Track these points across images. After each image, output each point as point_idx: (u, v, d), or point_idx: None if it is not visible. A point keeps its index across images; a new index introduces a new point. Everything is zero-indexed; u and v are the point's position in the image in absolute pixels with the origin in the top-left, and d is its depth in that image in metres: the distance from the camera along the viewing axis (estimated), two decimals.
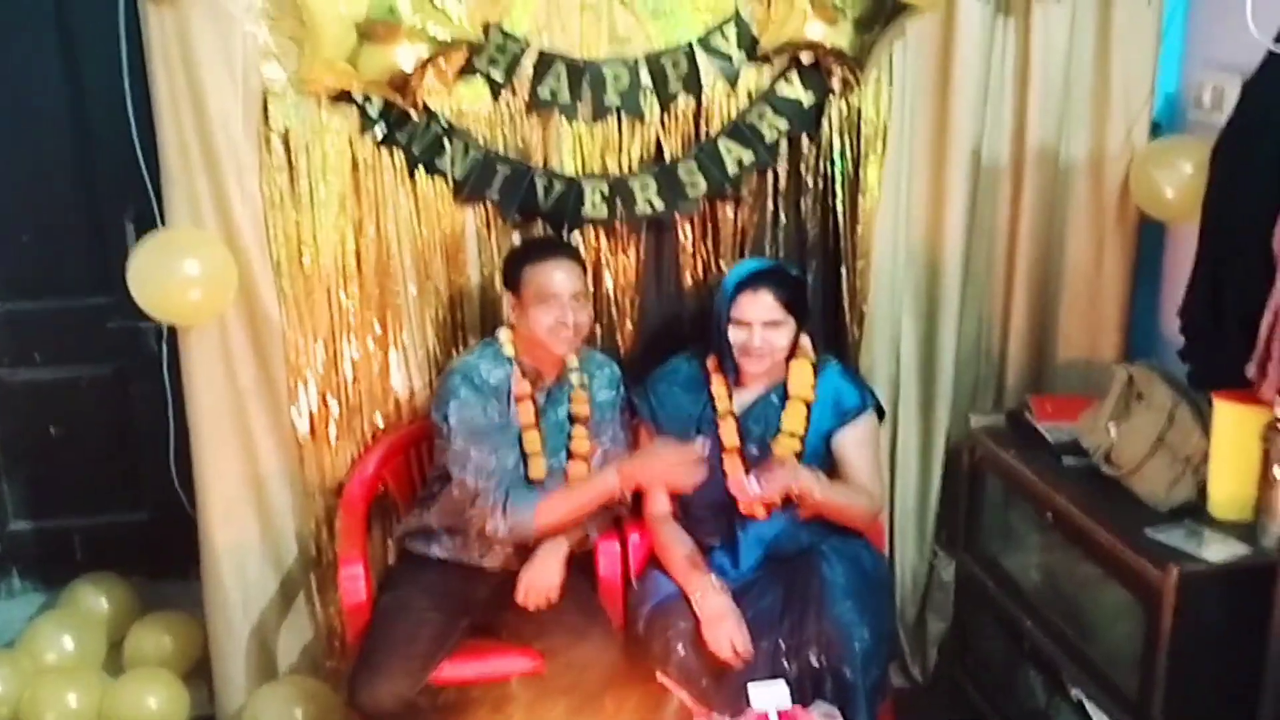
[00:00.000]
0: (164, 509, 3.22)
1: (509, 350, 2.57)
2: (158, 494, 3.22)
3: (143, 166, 2.69)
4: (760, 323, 2.49)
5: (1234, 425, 2.27)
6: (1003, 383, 3.02)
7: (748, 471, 2.50)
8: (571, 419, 2.60)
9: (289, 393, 2.76)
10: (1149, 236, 2.93)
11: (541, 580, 2.48)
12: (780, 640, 2.38)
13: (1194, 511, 2.34)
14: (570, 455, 2.59)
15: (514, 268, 2.54)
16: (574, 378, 2.61)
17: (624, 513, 2.68)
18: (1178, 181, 2.68)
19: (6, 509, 3.54)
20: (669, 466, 2.47)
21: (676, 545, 2.58)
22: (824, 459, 2.60)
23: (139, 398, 3.36)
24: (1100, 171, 2.85)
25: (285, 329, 2.71)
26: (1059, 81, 2.79)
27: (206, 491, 2.78)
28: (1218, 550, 2.21)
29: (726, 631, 2.38)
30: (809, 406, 2.58)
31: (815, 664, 2.33)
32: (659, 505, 2.65)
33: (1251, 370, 2.20)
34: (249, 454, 2.78)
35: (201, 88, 2.51)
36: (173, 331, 2.77)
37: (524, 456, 2.55)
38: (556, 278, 2.49)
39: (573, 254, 2.58)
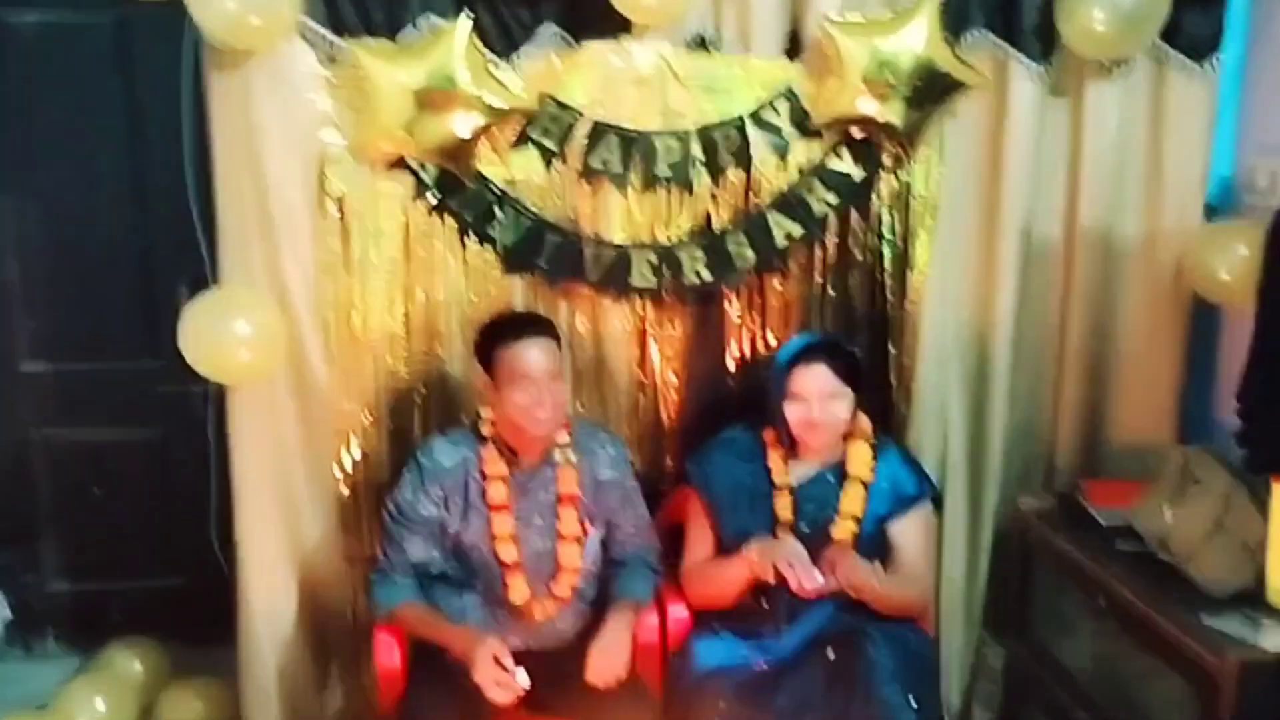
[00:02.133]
0: (201, 573, 3.22)
1: (487, 429, 2.49)
2: (195, 558, 3.22)
3: (199, 231, 2.74)
4: (819, 395, 2.48)
5: None
6: (1053, 465, 2.97)
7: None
8: (558, 499, 2.51)
9: (333, 455, 2.76)
10: (1203, 319, 2.90)
11: (614, 658, 2.40)
12: None
13: (1252, 599, 2.27)
14: (559, 537, 2.51)
15: (486, 347, 2.45)
16: (559, 455, 2.51)
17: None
18: (1233, 264, 2.67)
19: (45, 570, 3.55)
20: (484, 674, 2.27)
21: (709, 563, 2.57)
22: (878, 543, 2.56)
23: (182, 461, 3.37)
24: (1153, 253, 2.83)
25: (331, 391, 2.72)
26: (1111, 162, 2.79)
27: (246, 554, 2.77)
28: (1277, 639, 2.15)
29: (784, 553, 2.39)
30: (867, 488, 2.56)
31: None
32: (697, 556, 2.62)
33: None
34: (291, 517, 2.78)
35: (261, 152, 2.56)
36: (220, 397, 2.79)
37: (493, 539, 2.47)
38: (530, 358, 2.39)
39: (547, 330, 2.46)
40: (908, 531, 2.57)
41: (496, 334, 2.46)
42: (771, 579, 2.43)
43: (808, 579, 2.37)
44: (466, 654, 2.31)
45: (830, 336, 2.73)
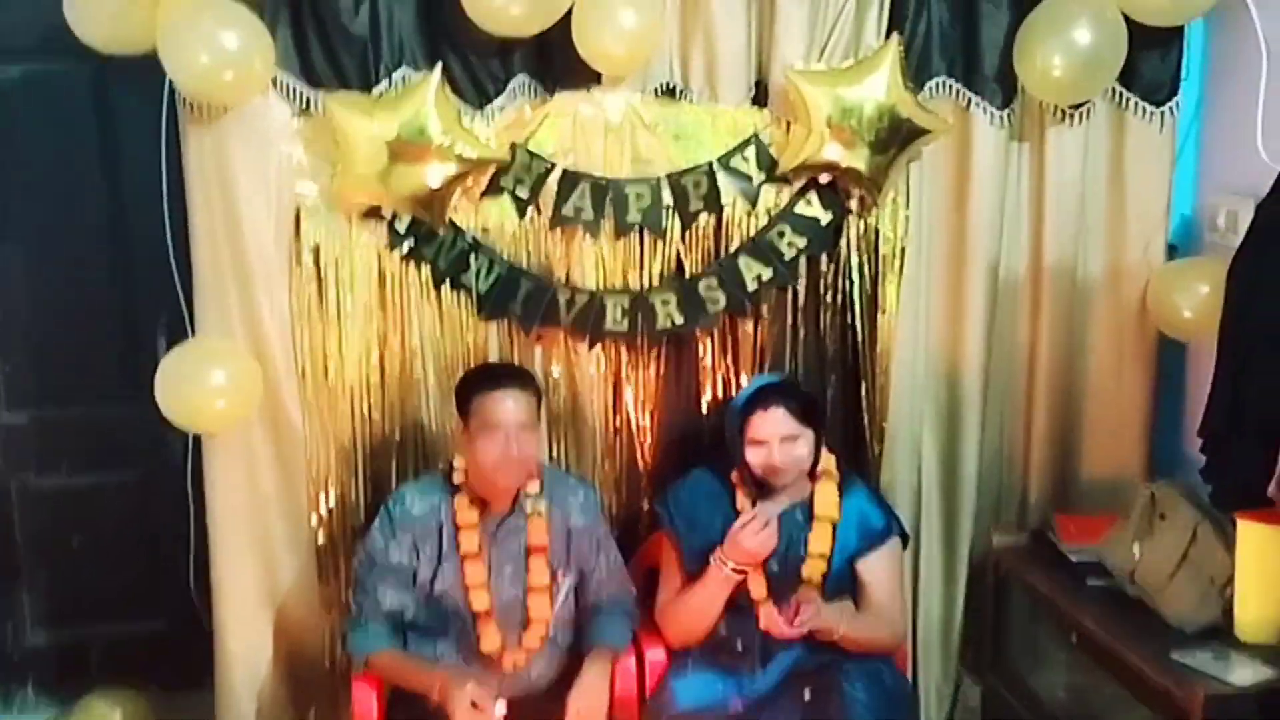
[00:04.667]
0: (181, 620, 3.20)
1: (458, 477, 2.50)
2: (175, 604, 3.20)
3: (176, 280, 2.76)
4: (778, 438, 2.50)
5: (1257, 546, 2.25)
6: (1025, 499, 3.00)
7: (769, 590, 2.50)
8: (529, 549, 2.51)
9: (310, 502, 2.77)
10: (1170, 355, 2.94)
11: (592, 706, 2.41)
12: None
13: (1220, 633, 2.30)
14: (529, 587, 2.50)
15: (463, 395, 2.47)
16: (530, 505, 2.51)
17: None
18: (1194, 301, 2.72)
19: (24, 619, 3.52)
20: (464, 718, 2.28)
21: (684, 593, 2.57)
22: (846, 581, 2.58)
23: (162, 508, 3.35)
24: (1118, 291, 2.88)
25: (307, 439, 2.74)
26: (1074, 204, 2.84)
27: (223, 600, 2.78)
28: (1244, 674, 2.18)
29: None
30: (834, 527, 2.57)
31: None
32: (670, 596, 2.63)
33: (1273, 489, 2.18)
34: (267, 563, 2.79)
35: (236, 203, 2.59)
36: (198, 443, 2.80)
37: (465, 587, 2.48)
38: (503, 408, 2.40)
39: (524, 382, 2.48)
40: (876, 568, 2.58)
41: (474, 382, 2.48)
42: (748, 564, 2.46)
43: (778, 623, 2.41)
44: (445, 697, 2.31)
45: (785, 378, 2.75)
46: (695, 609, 2.55)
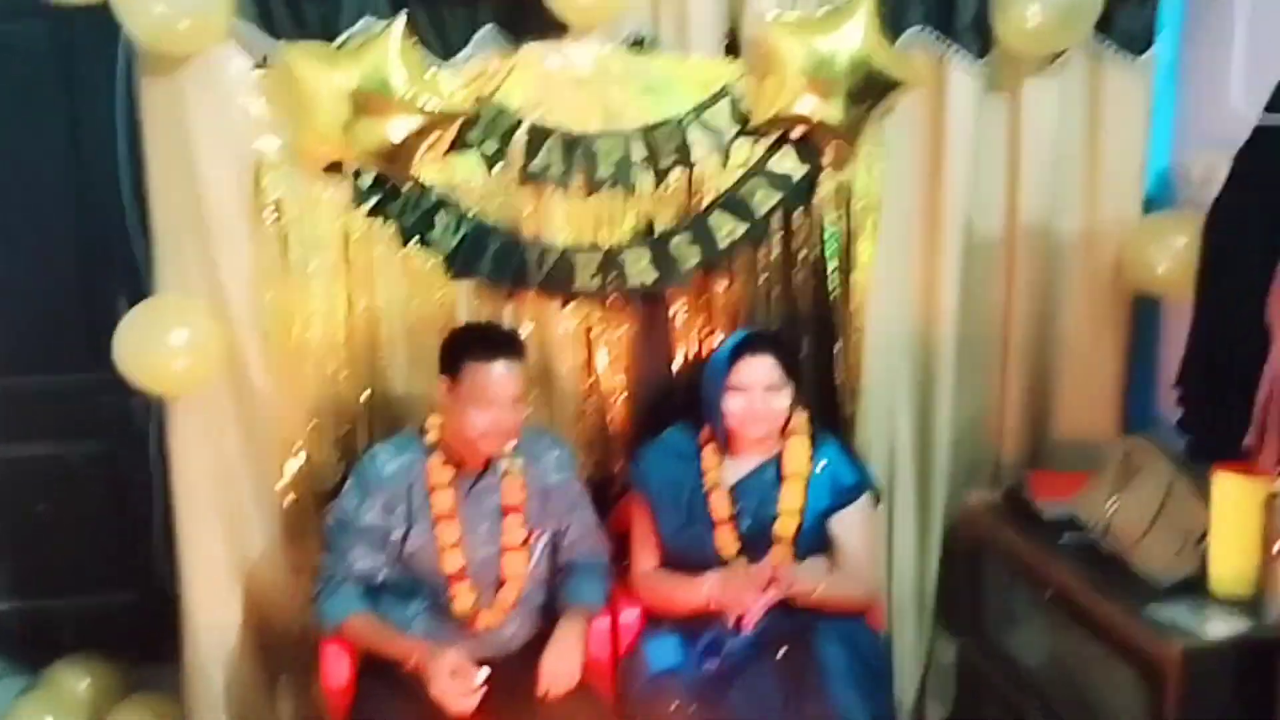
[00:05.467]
0: (151, 589, 3.18)
1: (433, 436, 2.46)
2: (145, 574, 3.18)
3: (137, 240, 2.70)
4: (761, 386, 2.48)
5: (1233, 498, 2.23)
6: (1000, 458, 2.99)
7: (741, 548, 2.47)
8: (504, 508, 2.48)
9: (277, 466, 2.73)
10: (1144, 312, 2.93)
11: (566, 666, 2.39)
12: None
13: (1196, 586, 2.29)
14: (503, 545, 2.47)
15: (455, 355, 2.40)
16: (505, 463, 2.47)
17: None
18: (1170, 256, 2.70)
19: None
20: (443, 688, 2.25)
21: (664, 579, 2.56)
22: (819, 538, 2.56)
23: (128, 475, 3.33)
24: (1093, 247, 2.86)
25: (273, 400, 2.69)
26: (1049, 158, 2.81)
27: (191, 569, 2.73)
28: (1220, 627, 2.17)
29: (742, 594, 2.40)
30: (806, 484, 2.55)
31: None
32: (646, 565, 2.62)
33: (1250, 440, 2.17)
34: (235, 530, 2.75)
35: (195, 159, 2.52)
36: (161, 411, 2.75)
37: (438, 547, 2.44)
38: (498, 380, 2.36)
39: (519, 352, 2.43)
40: (848, 525, 2.56)
41: (468, 346, 2.42)
42: (730, 617, 2.43)
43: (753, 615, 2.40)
44: (422, 668, 2.28)
45: (772, 330, 2.73)
46: (672, 600, 2.53)
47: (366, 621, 2.43)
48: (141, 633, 3.32)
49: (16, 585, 3.49)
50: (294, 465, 2.74)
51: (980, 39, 2.71)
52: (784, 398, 2.51)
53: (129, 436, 3.24)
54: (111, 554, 3.45)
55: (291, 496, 2.75)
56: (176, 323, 2.55)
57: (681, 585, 2.52)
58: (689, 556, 2.55)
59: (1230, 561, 2.25)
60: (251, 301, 2.64)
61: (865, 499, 2.60)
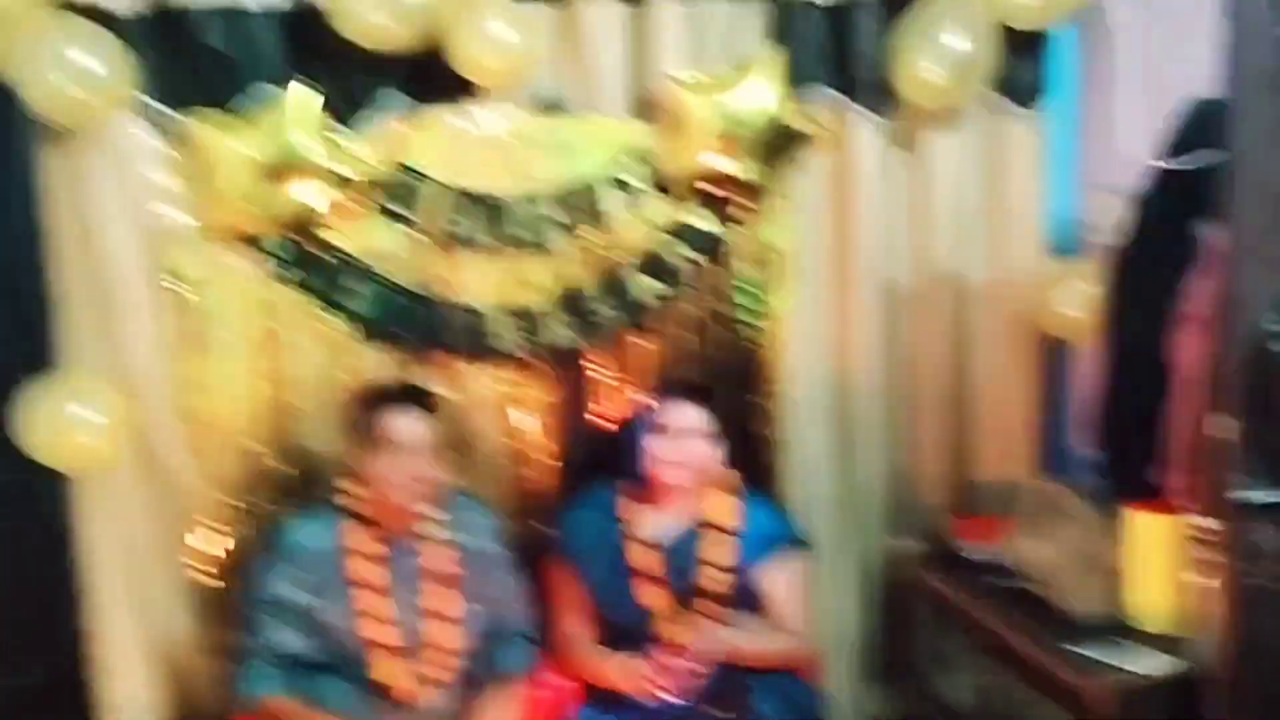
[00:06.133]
0: (58, 671, 3.04)
1: (350, 501, 2.42)
2: (51, 655, 3.04)
3: (37, 315, 2.62)
4: (688, 430, 2.47)
5: (1145, 534, 2.27)
6: (922, 505, 3.00)
7: (670, 603, 2.45)
8: (427, 575, 2.44)
9: (188, 543, 2.65)
10: (1056, 353, 2.98)
11: None
12: None
13: (1120, 624, 2.31)
14: (429, 614, 2.43)
15: (365, 413, 2.40)
16: (427, 529, 2.45)
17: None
18: (1075, 301, 2.76)
19: None
20: None
21: (583, 645, 2.53)
22: (750, 593, 2.54)
23: (35, 554, 3.19)
24: (1000, 294, 2.92)
25: (185, 476, 2.63)
26: (953, 208, 2.88)
27: (102, 649, 2.66)
28: (1145, 663, 2.18)
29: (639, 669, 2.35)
30: (735, 538, 2.53)
31: None
32: (574, 632, 2.57)
33: (1157, 478, 2.21)
34: (148, 608, 2.67)
35: (99, 231, 2.49)
36: (69, 489, 2.66)
37: (361, 619, 2.39)
38: (408, 428, 2.35)
39: (426, 402, 2.43)
40: (776, 578, 2.54)
41: (379, 401, 2.41)
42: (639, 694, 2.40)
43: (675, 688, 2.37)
44: None
45: (698, 382, 2.73)
46: (599, 677, 2.49)
47: (281, 704, 2.35)
48: (51, 715, 3.19)
49: None
50: (206, 541, 2.66)
51: (880, 95, 2.77)
52: (707, 447, 2.50)
53: (32, 514, 3.11)
54: (16, 634, 3.30)
55: (205, 573, 2.67)
56: (80, 399, 2.48)
57: (595, 661, 2.48)
58: (619, 613, 2.51)
59: (1149, 597, 2.28)
60: (159, 374, 2.59)
61: (793, 551, 2.59)
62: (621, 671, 2.42)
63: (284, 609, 2.38)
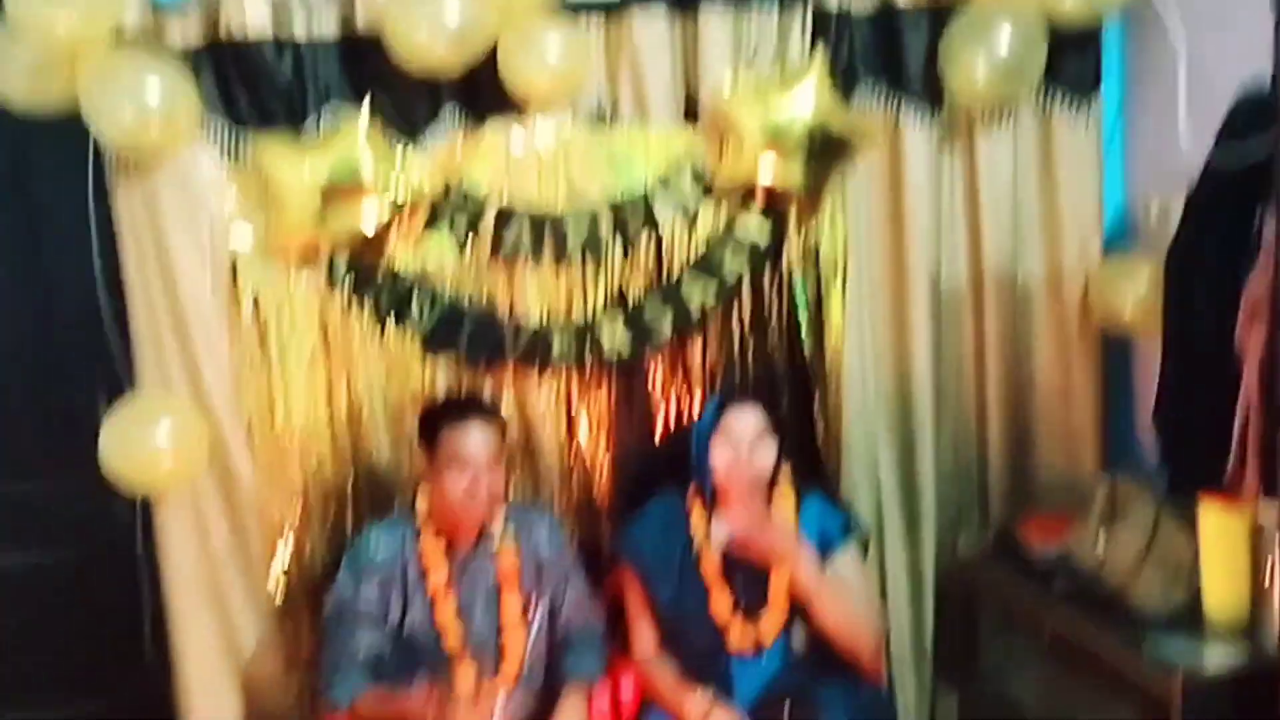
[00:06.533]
0: (129, 699, 3.12)
1: (423, 510, 2.47)
2: (124, 680, 3.12)
3: (113, 341, 2.70)
4: (749, 436, 2.48)
5: (1220, 528, 2.25)
6: (986, 502, 2.99)
7: (735, 609, 2.46)
8: (499, 583, 2.48)
9: (265, 557, 2.72)
10: (1116, 349, 2.96)
11: None
12: None
13: (1190, 619, 2.29)
14: (502, 621, 2.47)
15: (429, 427, 2.45)
16: (497, 539, 2.49)
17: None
18: (1134, 296, 2.74)
19: None
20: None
21: (663, 674, 2.52)
22: None
23: (104, 580, 3.27)
24: (1058, 291, 2.90)
25: (259, 491, 2.69)
26: (1008, 206, 2.87)
27: (184, 667, 2.72)
28: (1218, 658, 2.17)
29: None
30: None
31: None
32: (645, 645, 2.59)
33: (1229, 472, 2.19)
34: (228, 624, 2.74)
35: (170, 256, 2.57)
36: (146, 511, 2.74)
37: (436, 626, 2.44)
38: (471, 442, 2.38)
39: (490, 415, 2.47)
40: (839, 570, 2.52)
41: (440, 415, 2.45)
42: None
43: None
44: (439, 694, 2.27)
45: (758, 388, 2.77)
46: (664, 703, 2.50)
47: (375, 694, 2.38)
48: None
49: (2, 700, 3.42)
50: (283, 555, 2.73)
51: (930, 97, 2.78)
52: (770, 450, 2.51)
53: (102, 542, 3.19)
54: (87, 665, 3.38)
55: (283, 586, 2.74)
56: (160, 419, 2.55)
57: (672, 693, 2.49)
58: (686, 624, 2.52)
59: (1223, 592, 2.26)
60: (233, 393, 2.66)
61: (854, 543, 2.59)
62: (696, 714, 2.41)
63: (365, 618, 2.42)
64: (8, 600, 3.34)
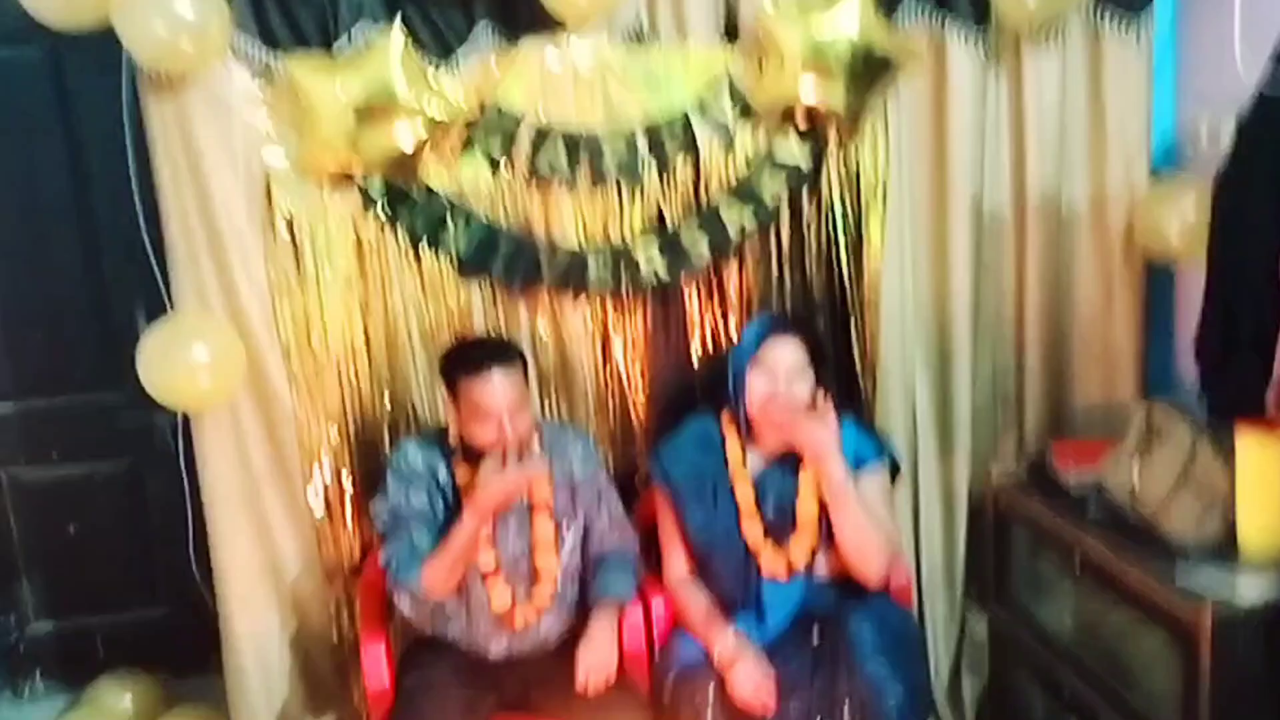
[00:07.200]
0: (183, 603, 3.22)
1: (455, 441, 2.46)
2: (176, 588, 3.21)
3: (151, 257, 2.72)
4: (786, 369, 2.46)
5: (1258, 456, 2.23)
6: (1022, 429, 2.98)
7: (766, 534, 2.48)
8: (532, 505, 2.49)
9: (303, 474, 2.75)
10: (1158, 275, 2.91)
11: (602, 661, 2.39)
12: (812, 701, 2.32)
13: (1223, 549, 2.28)
14: (535, 543, 2.49)
15: (449, 374, 2.42)
16: (530, 460, 2.43)
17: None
18: (1180, 221, 2.69)
19: (27, 610, 3.53)
20: (508, 484, 2.34)
21: (695, 603, 2.54)
22: None
23: (154, 492, 3.37)
24: (1102, 215, 2.85)
25: (296, 410, 2.71)
26: (1054, 127, 2.80)
27: (226, 580, 2.76)
28: (1250, 590, 2.16)
29: (749, 677, 2.33)
30: None
31: None
32: (677, 568, 2.62)
33: (1271, 397, 2.16)
34: (266, 539, 2.78)
35: (204, 175, 2.55)
36: (187, 424, 2.78)
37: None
38: (493, 391, 2.35)
39: (510, 359, 2.41)
40: (863, 489, 2.49)
41: (458, 362, 2.42)
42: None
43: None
44: (482, 481, 2.31)
45: (798, 315, 2.72)
46: (694, 630, 2.51)
47: (433, 559, 2.37)
48: (177, 646, 3.37)
49: (51, 606, 3.53)
50: (321, 473, 2.76)
51: (976, 11, 2.70)
52: (807, 382, 2.49)
53: (154, 452, 3.27)
54: (143, 571, 3.48)
55: (320, 502, 2.77)
56: (197, 338, 2.57)
57: (702, 625, 2.49)
58: (716, 547, 2.55)
59: (1257, 523, 2.25)
60: (269, 313, 2.66)
61: (880, 465, 2.57)
62: (722, 653, 2.40)
63: (420, 516, 2.43)
64: (66, 510, 3.43)
